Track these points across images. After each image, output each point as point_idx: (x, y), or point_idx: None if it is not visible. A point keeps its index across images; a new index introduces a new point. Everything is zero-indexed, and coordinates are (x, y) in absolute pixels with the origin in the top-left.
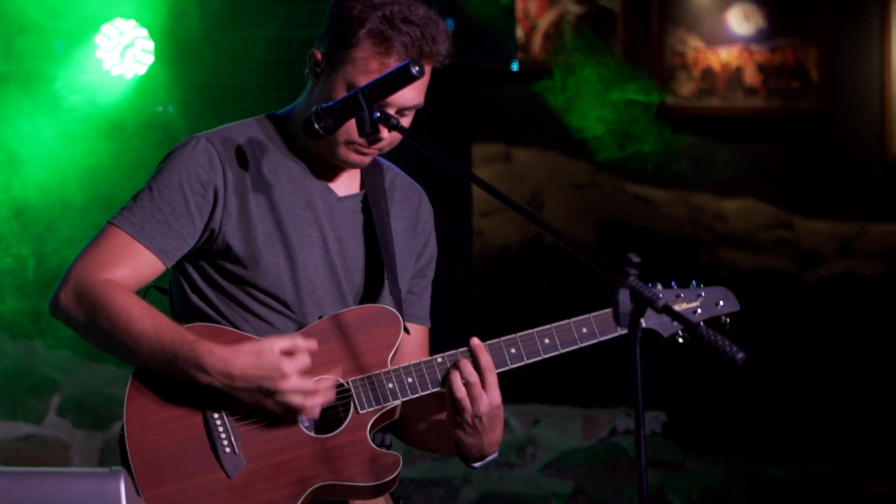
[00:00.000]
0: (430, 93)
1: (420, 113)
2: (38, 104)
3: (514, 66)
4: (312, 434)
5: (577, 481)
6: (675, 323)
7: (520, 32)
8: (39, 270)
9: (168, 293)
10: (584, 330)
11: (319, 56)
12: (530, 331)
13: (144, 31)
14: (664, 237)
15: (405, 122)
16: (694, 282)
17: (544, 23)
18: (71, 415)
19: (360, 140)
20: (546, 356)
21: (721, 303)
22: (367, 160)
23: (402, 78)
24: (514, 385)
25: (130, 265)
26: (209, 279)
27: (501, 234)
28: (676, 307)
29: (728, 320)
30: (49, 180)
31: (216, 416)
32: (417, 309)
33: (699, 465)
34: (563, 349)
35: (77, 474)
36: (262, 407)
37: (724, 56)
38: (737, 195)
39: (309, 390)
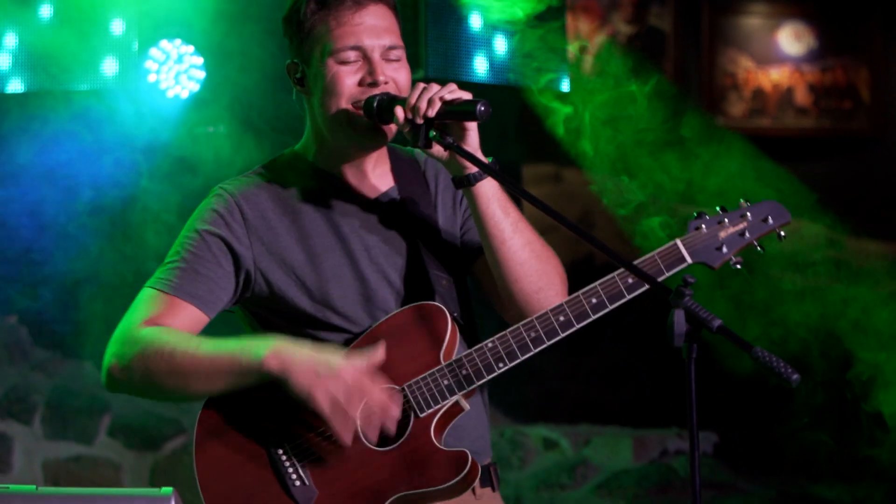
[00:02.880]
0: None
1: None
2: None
3: (565, 87)
4: (377, 448)
5: (629, 503)
6: (724, 249)
7: (571, 52)
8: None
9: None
10: (630, 280)
11: (294, 63)
12: (575, 294)
13: (191, 48)
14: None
15: (395, 64)
16: (742, 199)
17: (595, 43)
18: (122, 435)
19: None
20: (596, 316)
21: (770, 218)
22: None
23: (465, 112)
24: (565, 405)
25: (168, 318)
26: (267, 324)
27: None
28: (722, 233)
29: (782, 233)
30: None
31: (280, 451)
32: (477, 236)
33: (750, 486)
34: (612, 305)
35: (127, 496)
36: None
37: (775, 76)
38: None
39: (385, 405)
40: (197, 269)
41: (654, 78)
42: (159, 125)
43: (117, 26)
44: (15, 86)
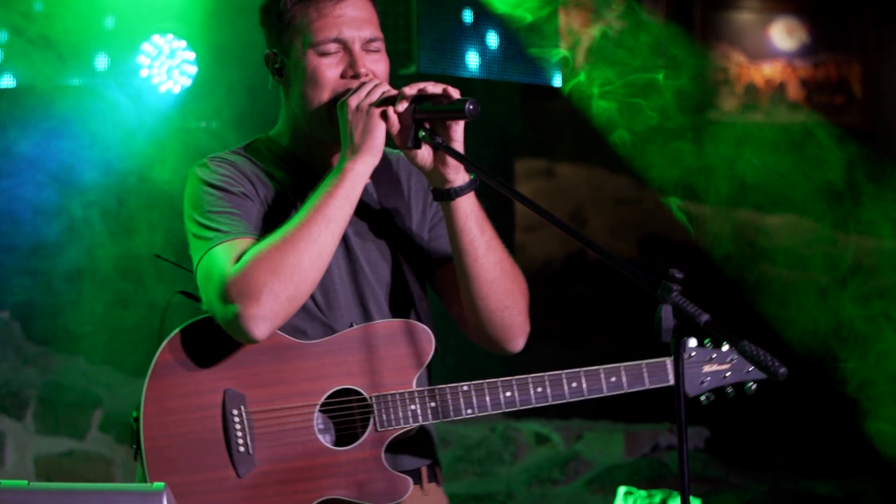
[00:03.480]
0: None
1: (464, 128)
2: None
3: (557, 82)
4: (329, 445)
5: None
6: (705, 384)
7: (562, 48)
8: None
9: (196, 299)
10: (613, 379)
11: (273, 53)
12: (559, 372)
13: (183, 43)
14: (707, 253)
15: (375, 56)
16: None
17: (587, 38)
18: (113, 430)
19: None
20: (570, 399)
21: (751, 368)
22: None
23: (454, 111)
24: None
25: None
26: None
27: (544, 249)
28: (707, 368)
29: (755, 385)
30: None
31: (235, 412)
32: (447, 245)
33: (742, 481)
34: (588, 395)
35: (119, 491)
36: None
37: (768, 71)
38: (780, 211)
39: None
40: (235, 211)
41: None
42: (152, 120)
43: (109, 21)
44: (7, 81)
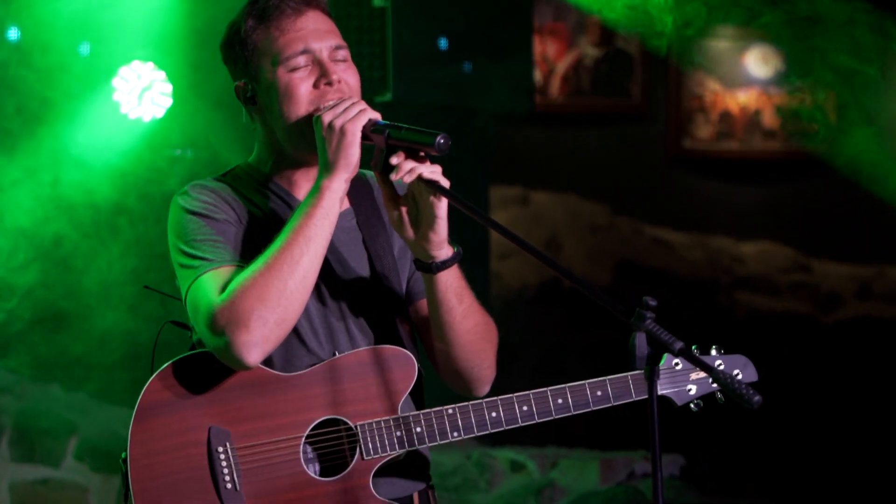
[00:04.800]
0: (450, 135)
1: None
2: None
3: (532, 110)
4: (316, 476)
5: None
6: (692, 392)
7: (538, 76)
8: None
9: (187, 328)
10: (599, 393)
11: (242, 83)
12: (544, 389)
13: (163, 74)
14: (682, 280)
15: (343, 65)
16: (715, 348)
17: (562, 66)
18: (88, 458)
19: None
20: (557, 416)
21: (739, 373)
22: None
23: (424, 143)
24: (532, 427)
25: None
26: None
27: (519, 276)
28: (694, 375)
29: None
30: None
31: (220, 449)
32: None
33: None
34: (575, 411)
35: None
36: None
37: (743, 99)
38: (755, 238)
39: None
40: (219, 239)
41: None
42: (124, 147)
43: (84, 48)
44: None
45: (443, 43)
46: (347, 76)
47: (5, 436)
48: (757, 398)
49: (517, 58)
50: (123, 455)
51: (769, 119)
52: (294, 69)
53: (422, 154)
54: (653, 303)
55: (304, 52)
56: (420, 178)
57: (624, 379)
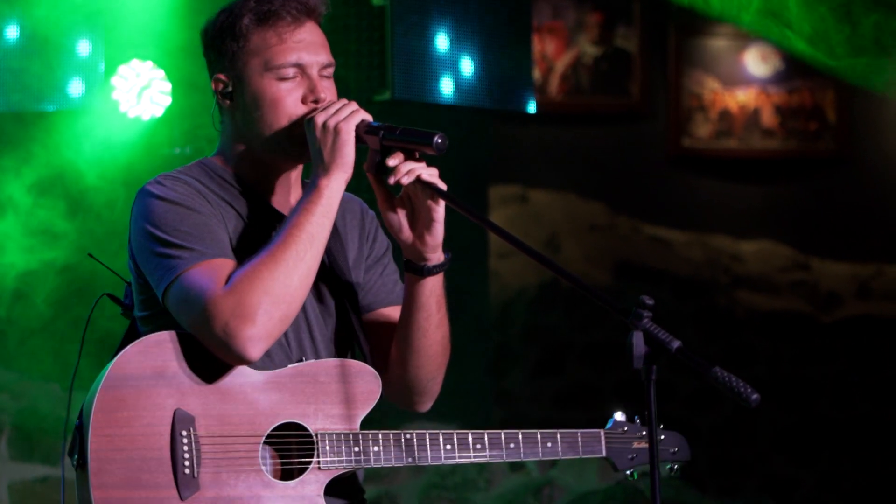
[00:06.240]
0: (449, 134)
1: (438, 156)
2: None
3: (531, 108)
4: (271, 478)
5: None
6: (633, 458)
7: (537, 74)
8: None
9: (123, 305)
10: (549, 444)
11: (223, 77)
12: (498, 431)
13: (162, 73)
14: (681, 279)
15: (327, 82)
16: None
17: (561, 64)
18: None
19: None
20: (508, 459)
21: (676, 450)
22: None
23: (421, 143)
24: (531, 426)
25: (227, 273)
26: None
27: (518, 276)
28: (636, 444)
29: (676, 467)
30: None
31: (184, 433)
32: (384, 294)
33: None
34: (525, 458)
35: None
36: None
37: (742, 97)
38: (754, 237)
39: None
40: (208, 233)
41: None
42: (123, 146)
43: (84, 47)
44: None
45: (442, 42)
46: (329, 93)
47: (4, 435)
48: (755, 396)
49: (516, 56)
50: (78, 422)
51: (768, 118)
52: (283, 79)
53: (417, 155)
54: (650, 302)
55: (296, 64)
56: (418, 179)
57: (573, 435)
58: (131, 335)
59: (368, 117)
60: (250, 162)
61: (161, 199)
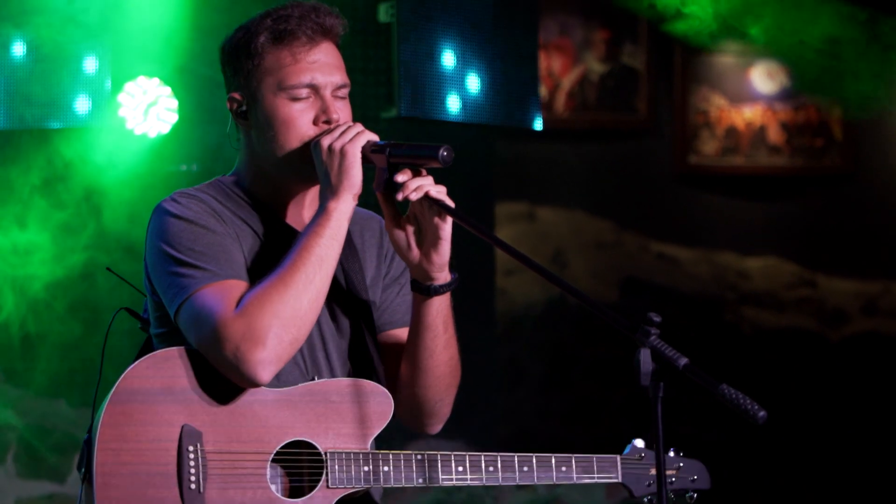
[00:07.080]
0: (456, 151)
1: (445, 171)
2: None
3: (538, 125)
4: (279, 496)
5: None
6: (650, 486)
7: (543, 91)
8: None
9: (141, 319)
10: (563, 468)
11: (238, 95)
12: (511, 454)
13: (168, 90)
14: (688, 296)
15: (341, 103)
16: (672, 450)
17: (568, 81)
18: None
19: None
20: (519, 482)
21: (695, 478)
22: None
23: (428, 156)
24: (538, 442)
25: (238, 295)
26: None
27: (525, 293)
28: (653, 471)
29: (696, 496)
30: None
31: (191, 449)
32: (399, 314)
33: None
34: (539, 482)
35: None
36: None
37: (748, 114)
38: (761, 253)
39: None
40: (223, 253)
41: None
42: (129, 163)
43: (90, 64)
44: None
45: (448, 59)
46: (344, 114)
47: (11, 452)
48: (762, 414)
49: (522, 73)
50: (86, 436)
51: (774, 134)
52: (296, 99)
53: (424, 171)
54: (657, 318)
55: (310, 85)
56: (427, 196)
57: (589, 459)
58: (146, 351)
59: (374, 137)
60: (266, 180)
61: (176, 217)
